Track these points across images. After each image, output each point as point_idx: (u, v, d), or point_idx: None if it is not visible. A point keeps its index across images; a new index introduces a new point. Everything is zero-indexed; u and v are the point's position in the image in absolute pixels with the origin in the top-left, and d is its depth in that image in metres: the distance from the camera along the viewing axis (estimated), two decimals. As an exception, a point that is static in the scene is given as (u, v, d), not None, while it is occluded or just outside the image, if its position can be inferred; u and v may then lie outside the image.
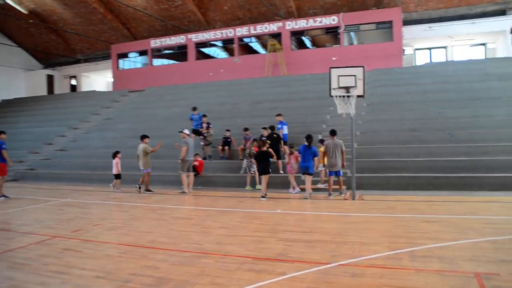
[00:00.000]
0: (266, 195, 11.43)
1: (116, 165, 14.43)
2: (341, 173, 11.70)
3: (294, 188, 12.50)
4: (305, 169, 11.26)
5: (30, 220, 9.26)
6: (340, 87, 10.30)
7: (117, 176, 14.52)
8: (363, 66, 10.30)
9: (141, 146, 13.78)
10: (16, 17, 30.91)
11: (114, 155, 14.59)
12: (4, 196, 12.99)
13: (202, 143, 16.10)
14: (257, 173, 13.30)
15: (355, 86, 10.20)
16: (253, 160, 13.20)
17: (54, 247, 6.77)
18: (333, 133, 11.60)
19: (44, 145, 22.01)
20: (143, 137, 13.95)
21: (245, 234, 7.25)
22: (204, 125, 16.16)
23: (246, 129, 15.57)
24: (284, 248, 6.25)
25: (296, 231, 7.43)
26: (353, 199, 10.66)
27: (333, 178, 11.53)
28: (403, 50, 24.88)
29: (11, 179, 19.00)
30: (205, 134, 16.03)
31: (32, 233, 7.86)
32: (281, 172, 13.66)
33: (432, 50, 27.70)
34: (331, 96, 10.68)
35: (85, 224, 8.62)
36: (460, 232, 6.78)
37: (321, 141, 12.92)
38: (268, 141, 12.51)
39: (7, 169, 13.36)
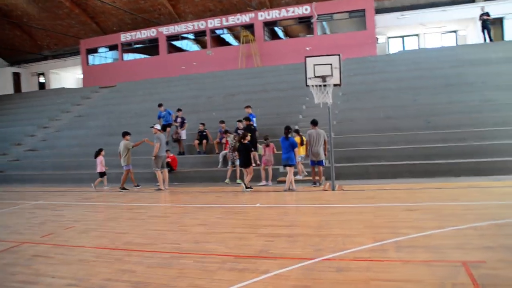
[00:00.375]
0: (250, 187, 11.38)
1: (100, 163, 14.21)
2: (324, 163, 11.58)
3: (266, 180, 12.40)
4: (286, 161, 11.05)
5: (-3, 226, 8.81)
6: (316, 76, 10.11)
7: (102, 174, 14.28)
8: (339, 55, 10.13)
9: (122, 143, 13.56)
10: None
11: (98, 153, 14.38)
12: None
13: (174, 138, 15.80)
14: (237, 167, 13.09)
15: (331, 75, 10.03)
16: (237, 154, 12.99)
17: (22, 254, 6.38)
18: (314, 123, 11.52)
19: (13, 145, 21.18)
20: (125, 134, 13.76)
21: (225, 231, 7.01)
22: (179, 119, 15.83)
23: (222, 122, 15.29)
24: (266, 244, 6.03)
25: (277, 225, 7.21)
26: (333, 189, 10.53)
27: (315, 168, 11.44)
28: (377, 38, 24.94)
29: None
30: (178, 132, 15.78)
31: (-1, 240, 7.44)
32: (258, 164, 13.45)
33: (404, 38, 27.89)
34: (307, 85, 10.49)
35: (57, 227, 8.21)
36: (442, 220, 6.70)
37: (297, 131, 12.70)
38: (249, 134, 12.29)
39: None
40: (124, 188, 13.21)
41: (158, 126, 13.39)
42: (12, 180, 17.88)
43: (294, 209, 8.87)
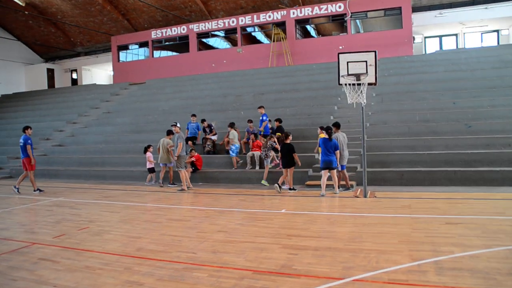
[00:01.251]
0: (294, 188, 11.09)
1: (148, 159, 14.24)
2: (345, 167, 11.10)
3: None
4: (329, 163, 10.44)
5: (13, 224, 8.51)
6: (349, 74, 9.42)
7: (151, 170, 14.21)
8: (375, 51, 9.40)
9: (164, 140, 13.27)
10: (14, 10, 30.11)
11: (146, 149, 14.41)
12: (39, 190, 13.01)
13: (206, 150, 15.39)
14: (267, 167, 12.58)
15: (366, 73, 9.31)
16: (271, 153, 12.52)
17: (29, 257, 6.00)
18: (337, 125, 11.18)
19: (42, 140, 21.28)
20: (169, 132, 13.45)
21: (246, 240, 6.43)
22: (207, 129, 15.44)
23: (249, 121, 14.78)
24: (289, 258, 5.43)
25: (303, 235, 6.56)
26: (365, 196, 9.81)
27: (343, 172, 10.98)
28: (413, 37, 23.88)
29: (7, 176, 18.37)
30: (208, 142, 15.38)
31: (10, 239, 7.09)
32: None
33: (442, 37, 26.67)
34: (340, 84, 9.80)
35: (70, 228, 7.83)
36: (489, 237, 5.93)
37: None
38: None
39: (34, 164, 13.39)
40: (173, 183, 13.38)
41: (179, 125, 12.95)
42: (39, 175, 17.74)
43: (322, 217, 8.16)
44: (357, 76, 9.39)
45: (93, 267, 5.42)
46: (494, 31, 25.25)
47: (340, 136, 11.00)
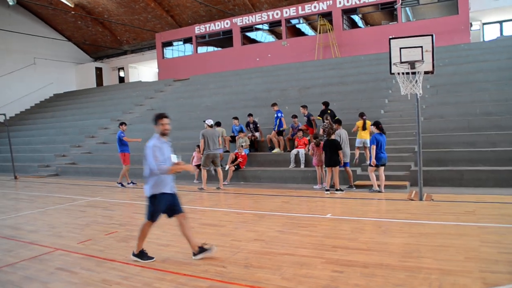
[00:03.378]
0: (341, 189, 10.33)
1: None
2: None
3: (321, 183, 11.07)
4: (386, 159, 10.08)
5: (42, 225, 8.17)
6: (402, 62, 8.38)
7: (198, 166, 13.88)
8: (431, 35, 8.30)
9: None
10: (64, 11, 30.78)
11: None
12: (122, 184, 13.65)
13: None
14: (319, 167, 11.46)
15: (421, 60, 8.25)
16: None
17: (48, 266, 5.53)
18: (339, 122, 11.29)
19: (87, 138, 21.44)
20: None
21: (284, 251, 5.65)
22: (251, 125, 14.77)
23: (294, 117, 14.00)
24: (333, 276, 4.59)
25: (350, 247, 5.68)
26: (420, 199, 8.75)
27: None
28: (470, 24, 22.07)
29: (53, 174, 18.54)
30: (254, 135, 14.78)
31: (35, 244, 6.70)
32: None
33: (503, 23, 24.57)
34: (392, 73, 8.77)
35: (98, 232, 7.37)
36: None
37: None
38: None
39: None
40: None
41: (208, 122, 12.20)
42: (83, 172, 17.91)
43: (372, 224, 7.18)
44: (412, 64, 8.34)
45: (110, 281, 4.84)
46: None
47: (343, 133, 10.98)
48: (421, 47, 8.22)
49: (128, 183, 13.80)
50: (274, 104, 14.67)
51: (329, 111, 13.26)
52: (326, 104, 13.75)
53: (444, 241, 5.77)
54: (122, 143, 13.62)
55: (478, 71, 16.37)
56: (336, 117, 12.09)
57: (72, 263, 5.61)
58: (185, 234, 5.52)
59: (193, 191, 11.83)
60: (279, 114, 14.17)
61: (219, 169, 12.18)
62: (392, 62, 8.52)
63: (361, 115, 11.85)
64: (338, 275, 4.62)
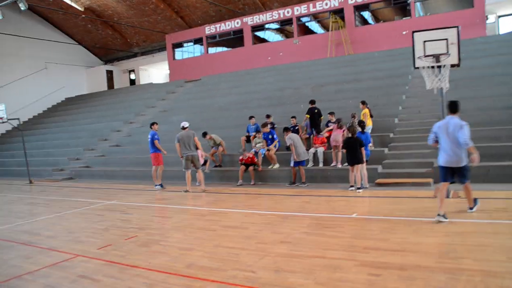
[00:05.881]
0: (362, 187, 10.03)
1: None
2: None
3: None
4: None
5: (61, 231, 7.99)
6: (427, 56, 8.07)
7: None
8: (457, 27, 8.00)
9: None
10: (74, 15, 30.80)
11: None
12: (161, 185, 13.28)
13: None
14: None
15: (447, 53, 7.93)
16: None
17: (69, 273, 5.32)
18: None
19: (100, 141, 21.33)
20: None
21: (313, 254, 5.39)
22: (269, 125, 14.20)
23: (293, 117, 13.83)
24: (371, 280, 4.32)
25: (382, 248, 5.39)
26: (447, 196, 8.41)
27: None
28: (486, 17, 21.60)
29: (67, 177, 18.46)
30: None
31: (55, 250, 6.51)
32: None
33: (519, 15, 24.04)
34: (416, 68, 8.47)
35: (118, 236, 7.16)
36: None
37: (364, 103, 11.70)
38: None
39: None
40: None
41: (184, 124, 12.17)
42: (97, 175, 17.80)
43: (402, 223, 6.81)
44: (437, 57, 8.03)
45: (135, 289, 4.62)
46: None
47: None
48: (446, 39, 7.90)
49: (156, 185, 13.28)
50: (265, 125, 13.71)
51: (316, 111, 13.48)
52: (312, 102, 13.75)
53: (480, 240, 5.47)
54: (154, 144, 13.44)
55: (497, 65, 15.94)
56: (322, 116, 12.43)
57: (94, 270, 5.41)
58: None
59: (212, 193, 11.58)
60: (275, 136, 13.77)
61: (199, 171, 12.08)
62: (416, 56, 8.21)
63: (364, 103, 12.47)
64: (376, 279, 4.34)
